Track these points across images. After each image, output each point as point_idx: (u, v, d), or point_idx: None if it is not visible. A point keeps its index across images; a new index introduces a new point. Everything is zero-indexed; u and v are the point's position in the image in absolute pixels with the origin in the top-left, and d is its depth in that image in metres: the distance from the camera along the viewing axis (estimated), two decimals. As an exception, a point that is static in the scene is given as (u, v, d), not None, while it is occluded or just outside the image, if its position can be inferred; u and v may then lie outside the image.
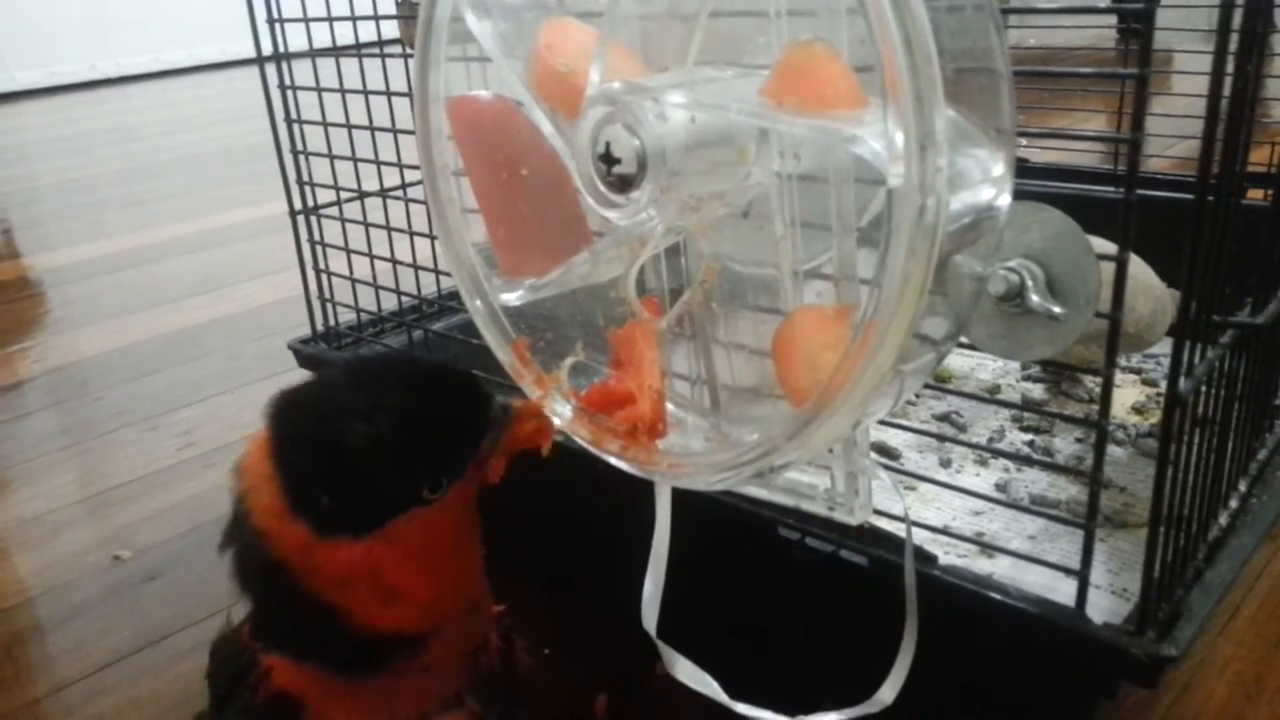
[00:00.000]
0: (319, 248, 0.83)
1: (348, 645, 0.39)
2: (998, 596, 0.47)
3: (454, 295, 0.81)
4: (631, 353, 0.47)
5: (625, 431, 0.46)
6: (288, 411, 0.40)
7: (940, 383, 0.81)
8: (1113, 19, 1.96)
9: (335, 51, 0.76)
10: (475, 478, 0.42)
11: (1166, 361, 0.85)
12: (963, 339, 0.44)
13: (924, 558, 0.49)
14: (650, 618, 0.52)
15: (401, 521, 0.38)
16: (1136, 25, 0.42)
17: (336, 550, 0.38)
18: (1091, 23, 1.88)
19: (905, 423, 0.74)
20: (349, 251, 0.81)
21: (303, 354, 0.83)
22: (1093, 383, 0.82)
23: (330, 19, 0.74)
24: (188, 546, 0.84)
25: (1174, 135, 0.97)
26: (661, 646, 0.53)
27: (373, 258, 0.80)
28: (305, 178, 0.81)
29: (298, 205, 0.82)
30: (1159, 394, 0.81)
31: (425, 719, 0.42)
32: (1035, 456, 0.75)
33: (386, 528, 0.38)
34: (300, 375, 0.86)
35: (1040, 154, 1.04)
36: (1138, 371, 0.85)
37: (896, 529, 0.50)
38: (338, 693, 0.41)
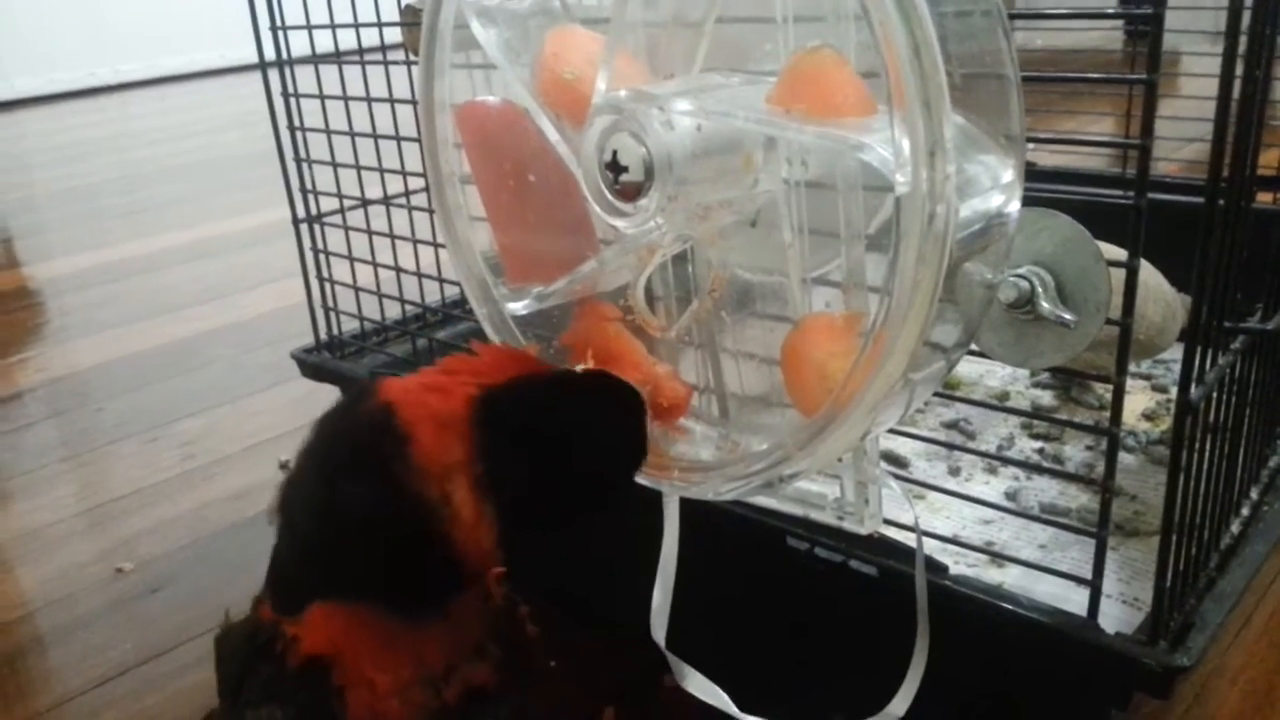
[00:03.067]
0: (322, 256, 0.82)
1: (441, 587, 0.41)
2: (1009, 607, 0.47)
3: (458, 303, 0.81)
4: (610, 350, 0.47)
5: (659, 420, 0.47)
6: (509, 408, 0.40)
7: (949, 390, 0.81)
8: (1120, 21, 1.96)
9: (338, 58, 0.76)
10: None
11: (1177, 368, 0.84)
12: (972, 346, 0.44)
13: (935, 568, 0.48)
14: (659, 629, 0.52)
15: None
16: (1144, 27, 0.41)
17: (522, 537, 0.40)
18: (1098, 24, 1.88)
19: (914, 431, 0.73)
20: (352, 259, 0.81)
21: (306, 363, 0.83)
22: (1102, 389, 0.82)
23: (333, 25, 0.74)
24: (190, 558, 0.83)
25: (1182, 138, 0.97)
26: (670, 658, 0.52)
27: (376, 265, 0.79)
28: (308, 185, 0.81)
29: (300, 213, 0.81)
30: (1169, 400, 0.81)
31: (453, 669, 0.43)
32: (1045, 464, 0.74)
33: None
34: (303, 386, 0.86)
35: (1048, 157, 1.03)
36: (1148, 378, 0.85)
37: (906, 538, 0.49)
38: (371, 647, 0.41)
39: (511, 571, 0.45)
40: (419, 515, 0.38)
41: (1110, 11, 0.45)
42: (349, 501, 0.39)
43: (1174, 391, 0.82)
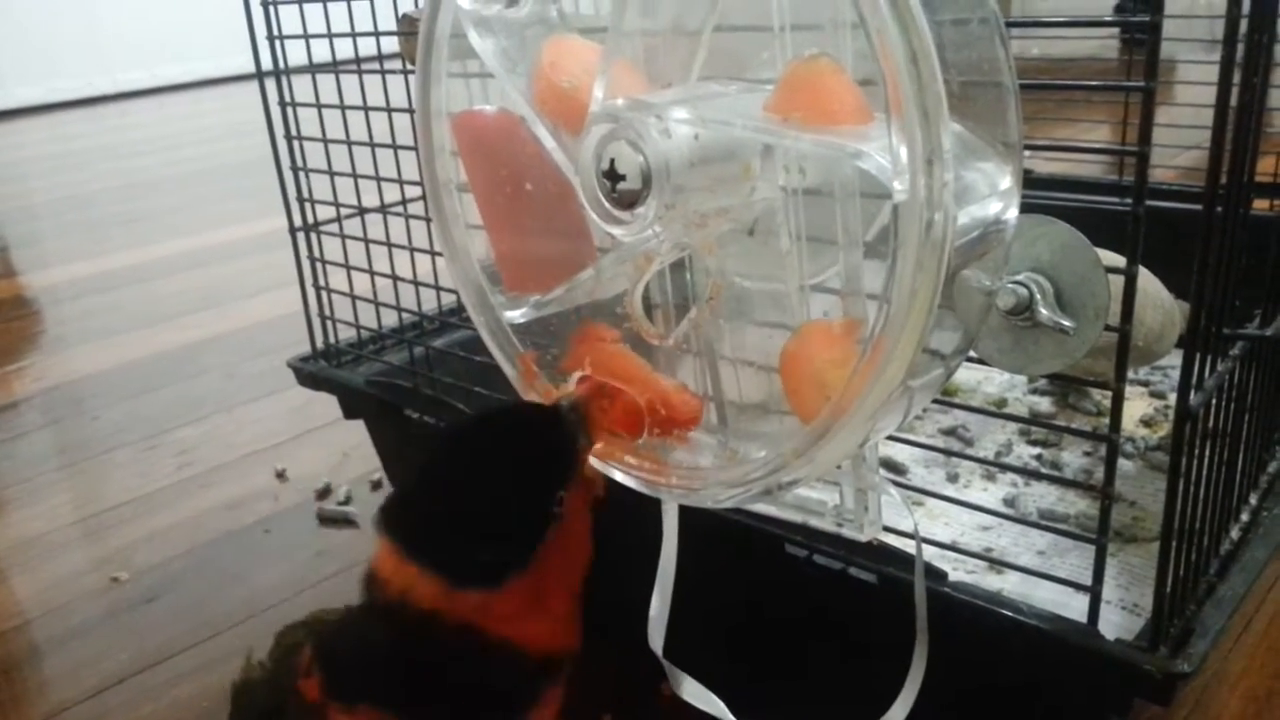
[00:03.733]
0: (319, 264, 0.82)
1: (517, 678, 0.41)
2: (1009, 613, 0.47)
3: (454, 311, 0.80)
4: (614, 371, 0.47)
5: (672, 435, 0.47)
6: (402, 516, 0.41)
7: (947, 396, 0.81)
8: (1115, 29, 1.96)
9: (335, 67, 0.76)
10: (582, 486, 0.44)
11: (1174, 374, 0.85)
12: (970, 353, 0.44)
13: (934, 574, 0.48)
14: (656, 637, 0.52)
15: (548, 539, 0.41)
16: (1140, 35, 0.41)
17: (511, 591, 0.40)
18: (1094, 33, 1.88)
19: (912, 437, 0.73)
20: (349, 268, 0.81)
21: (302, 372, 0.82)
22: (1100, 395, 0.82)
23: (330, 35, 0.74)
24: (186, 567, 0.83)
25: (1178, 145, 0.97)
26: (667, 666, 0.52)
27: (373, 274, 0.79)
28: (305, 194, 0.81)
29: (297, 222, 0.81)
30: (1167, 406, 0.81)
31: None
32: (1043, 471, 0.74)
33: (539, 550, 0.40)
34: (299, 395, 0.86)
35: (1044, 165, 1.03)
36: (1146, 384, 0.85)
37: (905, 545, 0.49)
38: None
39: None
40: (422, 624, 0.39)
41: (1108, 20, 0.45)
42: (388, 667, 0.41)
43: (1172, 398, 0.82)
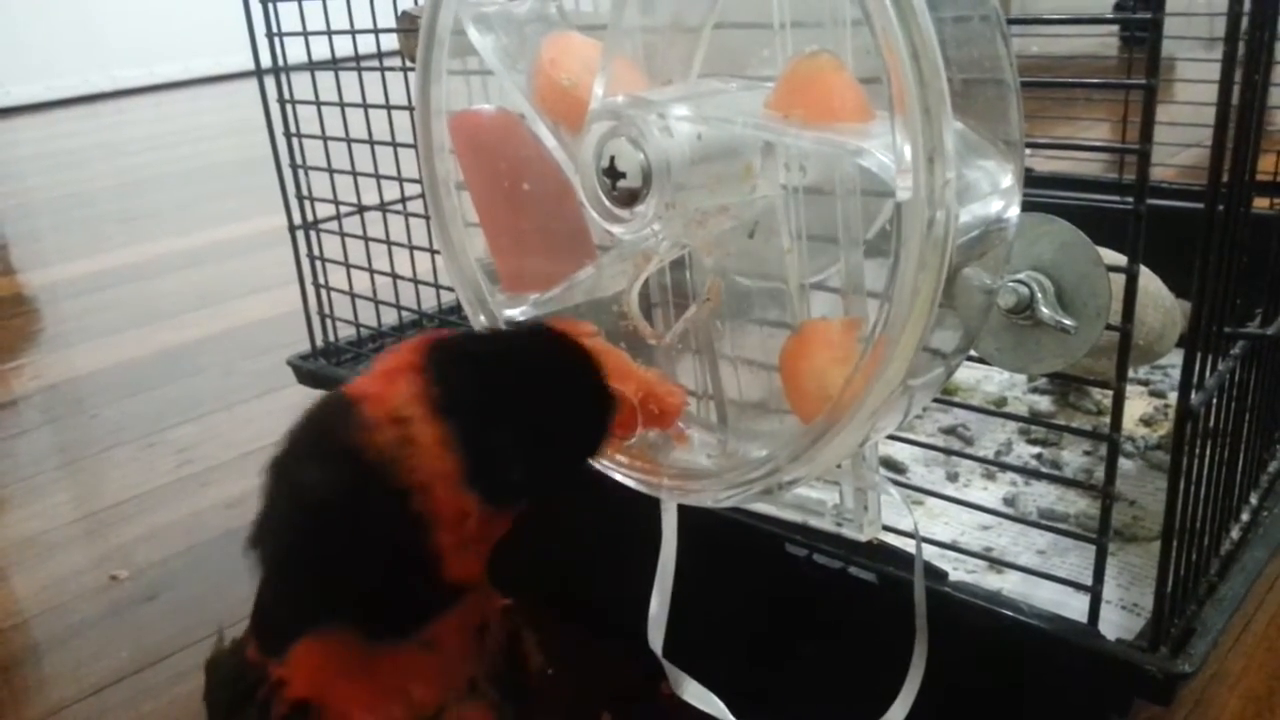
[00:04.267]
0: (318, 263, 0.82)
1: (421, 598, 0.38)
2: (1010, 613, 0.46)
3: (454, 309, 0.80)
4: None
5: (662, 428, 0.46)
6: (457, 376, 0.36)
7: (947, 395, 0.81)
8: (1115, 26, 1.96)
9: (334, 65, 0.76)
10: None
11: (1174, 373, 0.84)
12: (970, 352, 0.44)
13: (934, 574, 0.48)
14: (656, 637, 0.52)
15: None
16: (1140, 34, 0.41)
17: (498, 517, 0.37)
18: (1094, 31, 1.88)
19: (912, 436, 0.73)
20: (348, 266, 0.80)
21: (301, 370, 0.82)
22: (1100, 395, 0.82)
23: (329, 32, 0.74)
24: (186, 565, 0.83)
25: (1178, 144, 0.97)
26: (667, 666, 0.52)
27: (372, 272, 0.79)
28: (304, 192, 0.80)
29: (297, 220, 0.81)
30: (1167, 405, 0.81)
31: (444, 710, 0.41)
32: (1044, 470, 0.74)
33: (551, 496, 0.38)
34: (298, 393, 0.86)
35: (1044, 163, 1.03)
36: (1145, 383, 0.84)
37: (905, 545, 0.49)
38: (358, 689, 0.39)
39: (506, 572, 0.44)
40: (379, 468, 0.34)
41: (1109, 17, 0.45)
42: (304, 484, 0.36)
43: (1172, 397, 0.82)
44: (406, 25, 0.67)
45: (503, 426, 0.36)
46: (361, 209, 0.79)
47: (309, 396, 0.85)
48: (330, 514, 0.35)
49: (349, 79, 0.75)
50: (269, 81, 0.78)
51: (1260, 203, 0.56)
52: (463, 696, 0.41)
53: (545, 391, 0.38)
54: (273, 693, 0.39)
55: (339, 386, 0.37)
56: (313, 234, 0.81)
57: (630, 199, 0.41)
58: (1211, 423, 0.48)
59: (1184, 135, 0.93)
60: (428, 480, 0.35)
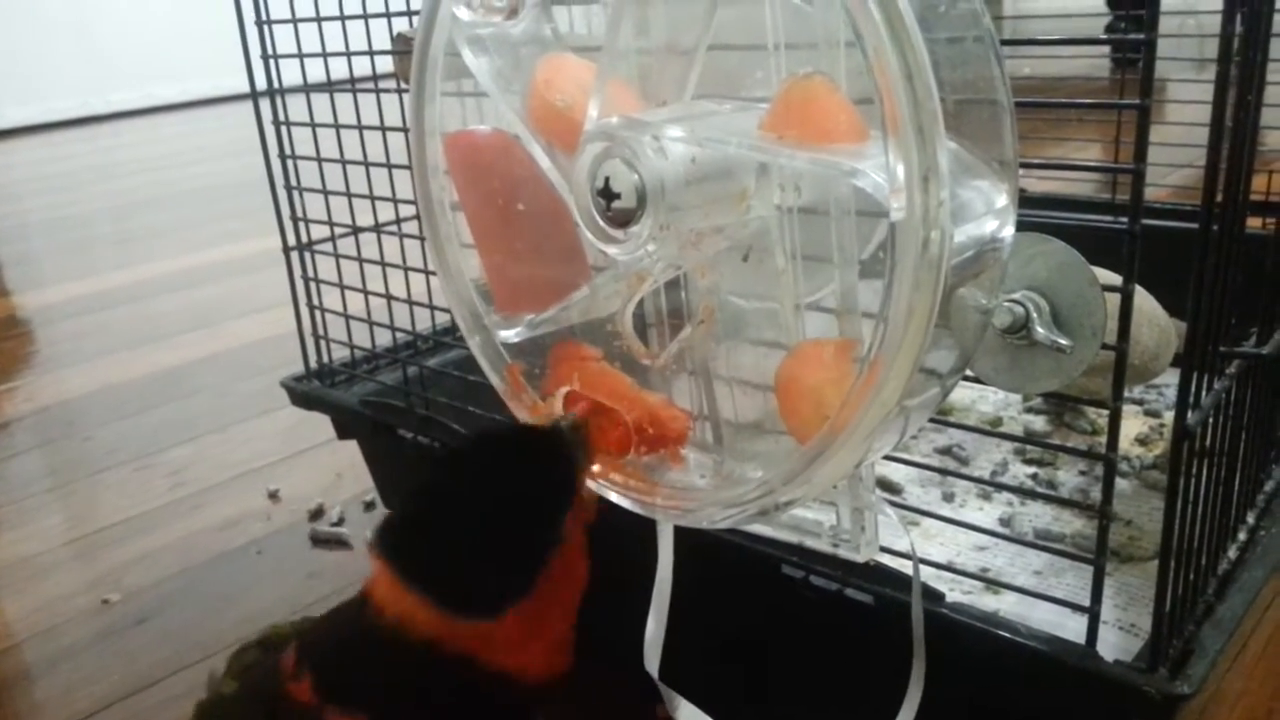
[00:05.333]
0: (312, 284, 0.82)
1: (510, 707, 0.41)
2: (1007, 635, 0.46)
3: (449, 331, 0.80)
4: (598, 389, 0.47)
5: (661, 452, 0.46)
6: (400, 540, 0.41)
7: (942, 416, 0.81)
8: (1106, 48, 1.98)
9: (330, 86, 0.76)
10: (578, 507, 0.43)
11: (1169, 392, 0.85)
12: (966, 372, 0.44)
13: (931, 595, 0.48)
14: (652, 659, 0.51)
15: (551, 565, 0.40)
16: (1133, 55, 0.41)
17: (510, 620, 0.39)
18: (1086, 53, 1.89)
19: (907, 456, 0.73)
20: (343, 287, 0.80)
21: (295, 391, 0.82)
22: (1095, 414, 0.82)
23: (324, 54, 0.74)
24: (178, 589, 0.82)
25: (1170, 164, 0.97)
26: (663, 689, 0.52)
27: (367, 293, 0.79)
28: (299, 213, 0.80)
29: (291, 241, 0.81)
30: (1162, 425, 0.81)
31: None
32: (1039, 490, 0.74)
33: (542, 576, 0.40)
34: (293, 414, 0.85)
35: (1036, 184, 1.04)
36: (1140, 403, 0.84)
37: (902, 566, 0.49)
38: None
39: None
40: (418, 651, 0.39)
41: (1101, 38, 0.45)
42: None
43: (1167, 416, 0.82)
44: (401, 47, 0.67)
45: (453, 555, 0.40)
46: (356, 230, 0.79)
47: (303, 418, 0.85)
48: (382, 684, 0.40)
49: (344, 101, 0.75)
50: (264, 103, 0.78)
51: (1253, 222, 0.56)
52: None
53: (480, 500, 0.41)
54: None
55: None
56: (307, 255, 0.81)
57: (625, 220, 0.41)
58: (1208, 442, 0.48)
59: (1176, 156, 0.93)
60: (431, 632, 0.38)
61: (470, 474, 0.42)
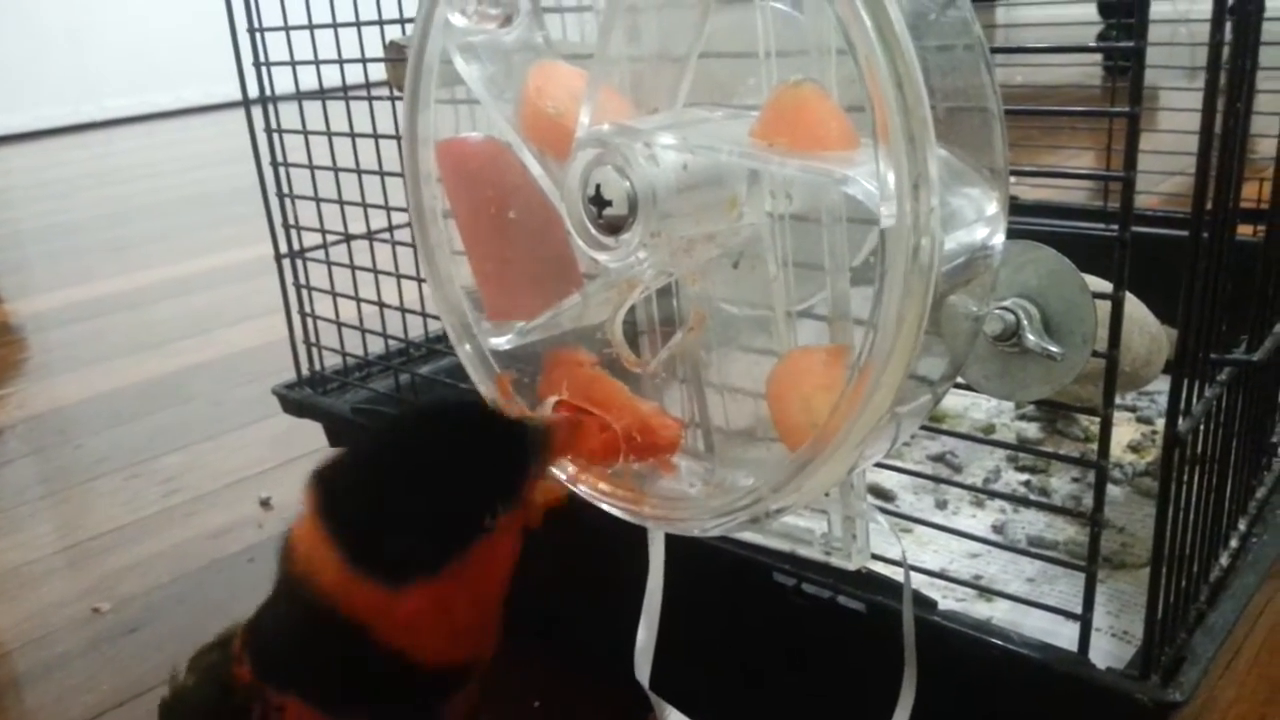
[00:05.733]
0: (305, 291, 0.82)
1: (406, 690, 0.40)
2: (1000, 642, 0.46)
3: (441, 338, 0.80)
4: (591, 396, 0.47)
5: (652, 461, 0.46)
6: (331, 481, 0.40)
7: (934, 423, 0.81)
8: (1098, 57, 1.98)
9: (322, 94, 0.76)
10: (522, 509, 0.42)
11: (1161, 399, 0.85)
12: (958, 379, 0.44)
13: (923, 603, 0.48)
14: (643, 669, 0.51)
15: (469, 553, 0.39)
16: (1124, 63, 0.42)
17: (410, 596, 0.38)
18: (1077, 61, 1.90)
19: (899, 464, 0.73)
20: (335, 295, 0.80)
21: (287, 399, 0.82)
22: (1088, 421, 0.82)
23: (317, 61, 0.74)
24: (169, 598, 0.82)
25: (1161, 172, 0.98)
26: (654, 698, 0.51)
27: (359, 301, 0.79)
28: (291, 220, 0.80)
29: (283, 248, 0.81)
30: (1154, 432, 0.81)
31: None
32: (1032, 497, 0.74)
33: (456, 562, 0.39)
34: (286, 422, 0.85)
35: (1029, 191, 1.04)
36: (1132, 410, 0.85)
37: (894, 573, 0.49)
38: None
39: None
40: (305, 599, 0.38)
41: (1092, 46, 0.45)
42: (282, 624, 0.41)
43: (1158, 423, 0.82)
44: (394, 55, 0.67)
45: (373, 511, 0.38)
46: (348, 237, 0.79)
47: (295, 426, 0.85)
48: (305, 641, 0.40)
49: (336, 108, 0.75)
50: (256, 111, 0.78)
51: (1243, 229, 0.56)
52: None
53: (418, 466, 0.40)
54: (268, 714, 0.40)
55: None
56: (299, 263, 0.81)
57: (616, 227, 0.41)
58: (1199, 449, 0.48)
59: (1167, 164, 0.94)
60: (327, 582, 0.38)
61: (419, 437, 0.41)
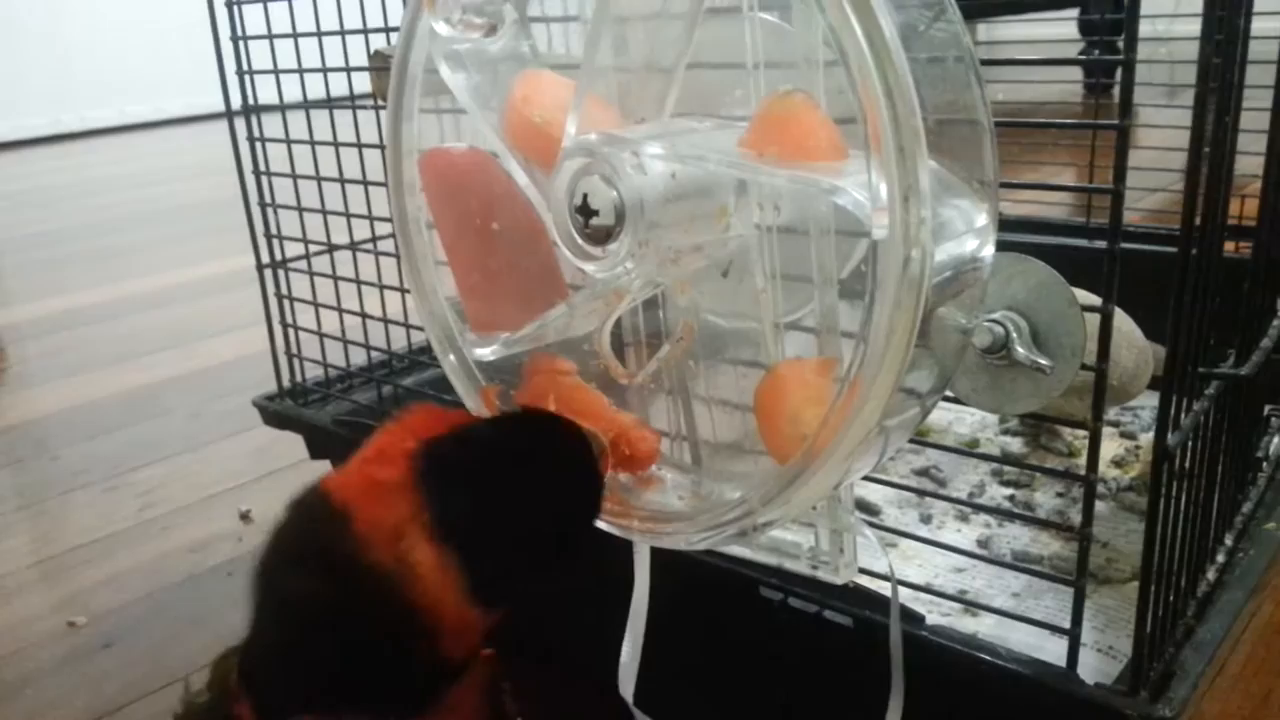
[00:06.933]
0: (286, 302, 0.81)
1: (425, 680, 0.38)
2: (988, 658, 0.46)
3: (424, 350, 0.80)
4: (570, 404, 0.47)
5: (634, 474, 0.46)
6: (454, 487, 0.37)
7: (919, 437, 0.81)
8: (1079, 75, 2.00)
9: (306, 104, 0.76)
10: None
11: (1145, 414, 0.85)
12: (947, 392, 0.44)
13: (910, 617, 0.48)
14: (627, 684, 0.51)
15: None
16: (1105, 81, 0.42)
17: (501, 613, 0.38)
18: (1059, 78, 1.91)
19: (885, 478, 0.73)
20: (317, 306, 0.79)
21: (268, 411, 0.81)
22: (1072, 436, 0.82)
23: (300, 70, 0.73)
24: (145, 612, 0.81)
25: (1143, 188, 0.98)
26: (639, 715, 0.51)
27: (342, 312, 0.78)
28: (273, 230, 0.80)
29: (265, 259, 0.80)
30: (1138, 447, 0.81)
31: None
32: (1017, 512, 0.74)
33: (544, 584, 0.39)
34: (265, 434, 0.84)
35: (1012, 207, 1.04)
36: (1116, 424, 0.85)
37: (880, 587, 0.48)
38: None
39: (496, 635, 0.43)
40: (377, 592, 0.35)
41: (1080, 58, 0.45)
42: (304, 605, 0.37)
43: (1143, 438, 0.82)
44: (378, 64, 0.66)
45: (499, 543, 0.38)
46: (331, 248, 0.78)
47: (277, 438, 0.84)
48: (331, 625, 0.36)
49: (320, 119, 0.75)
50: (239, 122, 0.77)
51: (1228, 245, 0.56)
52: None
53: (537, 499, 0.39)
54: None
55: (321, 484, 0.38)
56: (281, 273, 0.80)
57: (603, 237, 0.41)
58: (1187, 463, 0.48)
59: (1149, 180, 0.94)
60: (431, 601, 0.36)
61: (531, 452, 0.41)
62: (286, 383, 0.82)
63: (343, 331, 0.78)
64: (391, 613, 0.36)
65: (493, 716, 0.44)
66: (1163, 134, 0.79)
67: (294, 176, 0.76)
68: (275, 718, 0.38)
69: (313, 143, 0.75)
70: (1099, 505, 0.74)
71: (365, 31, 0.68)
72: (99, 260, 1.99)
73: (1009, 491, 0.76)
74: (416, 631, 0.36)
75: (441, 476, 0.36)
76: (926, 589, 0.54)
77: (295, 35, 0.71)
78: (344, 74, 0.71)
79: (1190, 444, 0.48)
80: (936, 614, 0.60)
